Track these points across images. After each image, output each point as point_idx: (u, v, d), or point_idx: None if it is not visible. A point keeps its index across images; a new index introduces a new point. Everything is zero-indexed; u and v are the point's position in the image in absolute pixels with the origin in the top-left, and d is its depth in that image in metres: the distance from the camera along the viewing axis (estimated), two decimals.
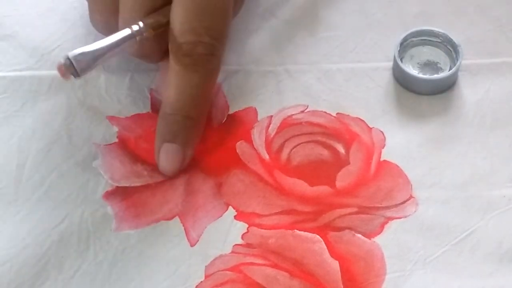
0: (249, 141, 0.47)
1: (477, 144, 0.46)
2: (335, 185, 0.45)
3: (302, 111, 0.48)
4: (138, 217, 0.44)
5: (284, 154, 0.46)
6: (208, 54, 0.44)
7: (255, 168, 0.46)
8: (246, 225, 0.44)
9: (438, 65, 0.49)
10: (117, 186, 0.45)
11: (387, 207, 0.44)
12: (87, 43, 0.44)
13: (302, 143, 0.47)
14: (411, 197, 0.44)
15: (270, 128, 0.47)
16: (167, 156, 0.44)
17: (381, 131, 0.47)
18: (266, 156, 0.46)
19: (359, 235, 0.43)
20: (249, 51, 0.50)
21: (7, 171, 0.46)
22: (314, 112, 0.48)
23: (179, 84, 0.44)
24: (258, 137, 0.47)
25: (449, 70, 0.48)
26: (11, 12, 0.53)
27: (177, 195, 0.45)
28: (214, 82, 0.46)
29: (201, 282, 0.42)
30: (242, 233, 0.43)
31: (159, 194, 0.45)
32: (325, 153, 0.46)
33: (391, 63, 0.49)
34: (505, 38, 0.50)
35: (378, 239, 0.43)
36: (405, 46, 0.49)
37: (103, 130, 0.47)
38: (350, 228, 0.43)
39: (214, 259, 0.43)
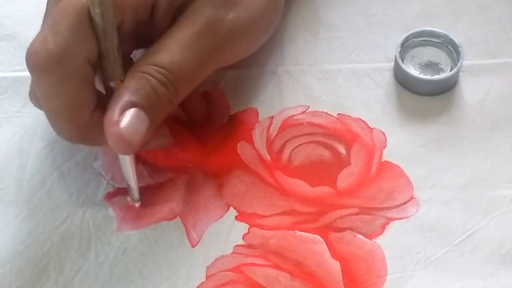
0: (250, 141, 0.47)
1: (478, 145, 0.46)
2: (336, 185, 0.45)
3: (303, 112, 0.48)
4: (139, 217, 0.44)
5: (285, 155, 0.46)
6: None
7: (256, 168, 0.46)
8: (247, 226, 0.44)
9: (439, 65, 0.49)
10: (118, 187, 0.45)
11: (388, 208, 0.44)
12: None
13: (303, 143, 0.47)
14: (412, 197, 0.44)
15: (271, 128, 0.47)
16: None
17: (382, 132, 0.47)
18: (267, 157, 0.46)
19: (360, 236, 0.43)
20: None
21: (8, 171, 0.46)
22: (315, 113, 0.48)
23: None
24: (259, 137, 0.47)
25: (450, 71, 0.48)
26: (11, 12, 0.53)
27: (178, 196, 0.45)
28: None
29: (202, 282, 0.42)
30: (243, 233, 0.43)
31: (160, 195, 0.45)
32: (326, 153, 0.46)
33: (392, 64, 0.49)
34: (506, 38, 0.50)
35: (379, 240, 0.43)
36: (406, 46, 0.49)
37: None
38: (351, 229, 0.43)
39: (215, 260, 0.43)
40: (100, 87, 0.42)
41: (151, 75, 0.41)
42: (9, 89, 0.49)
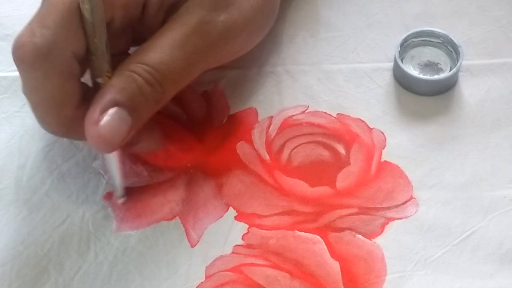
0: (250, 141, 0.47)
1: (478, 145, 0.46)
2: (336, 185, 0.45)
3: (303, 112, 0.48)
4: (138, 217, 0.44)
5: (285, 155, 0.46)
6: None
7: (255, 168, 0.46)
8: (247, 226, 0.44)
9: (439, 65, 0.49)
10: None
11: (388, 208, 0.44)
12: None
13: (302, 143, 0.47)
14: (411, 197, 0.44)
15: (270, 128, 0.47)
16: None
17: (382, 132, 0.47)
18: (266, 157, 0.46)
19: (360, 236, 0.43)
20: (250, 51, 0.50)
21: (8, 171, 0.46)
22: (314, 113, 0.48)
23: None
24: (258, 137, 0.47)
25: (449, 71, 0.48)
26: (11, 12, 0.53)
27: (178, 196, 0.45)
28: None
29: (202, 282, 0.42)
30: (243, 233, 0.43)
31: (159, 195, 0.45)
32: (325, 153, 0.46)
33: (391, 64, 0.49)
34: (506, 38, 0.50)
35: (378, 240, 0.43)
36: (405, 46, 0.49)
37: None
38: (350, 229, 0.43)
39: (215, 260, 0.43)
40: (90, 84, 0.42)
41: (138, 74, 0.40)
42: (9, 89, 0.49)
